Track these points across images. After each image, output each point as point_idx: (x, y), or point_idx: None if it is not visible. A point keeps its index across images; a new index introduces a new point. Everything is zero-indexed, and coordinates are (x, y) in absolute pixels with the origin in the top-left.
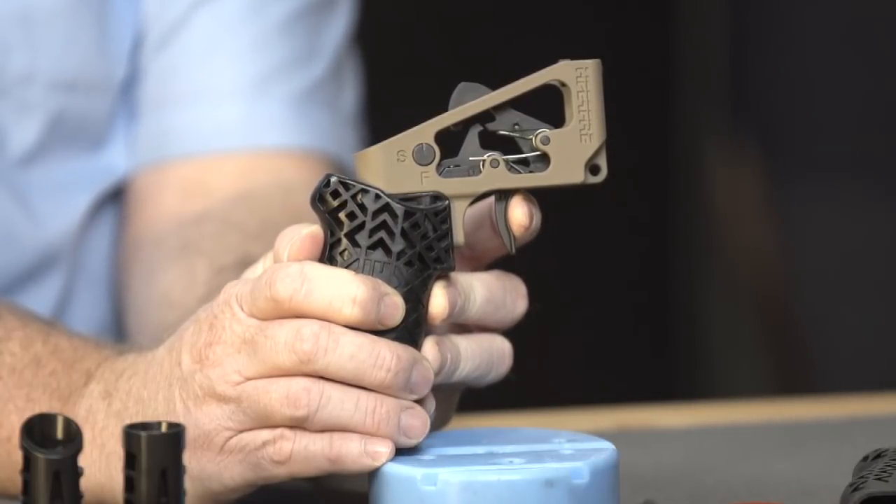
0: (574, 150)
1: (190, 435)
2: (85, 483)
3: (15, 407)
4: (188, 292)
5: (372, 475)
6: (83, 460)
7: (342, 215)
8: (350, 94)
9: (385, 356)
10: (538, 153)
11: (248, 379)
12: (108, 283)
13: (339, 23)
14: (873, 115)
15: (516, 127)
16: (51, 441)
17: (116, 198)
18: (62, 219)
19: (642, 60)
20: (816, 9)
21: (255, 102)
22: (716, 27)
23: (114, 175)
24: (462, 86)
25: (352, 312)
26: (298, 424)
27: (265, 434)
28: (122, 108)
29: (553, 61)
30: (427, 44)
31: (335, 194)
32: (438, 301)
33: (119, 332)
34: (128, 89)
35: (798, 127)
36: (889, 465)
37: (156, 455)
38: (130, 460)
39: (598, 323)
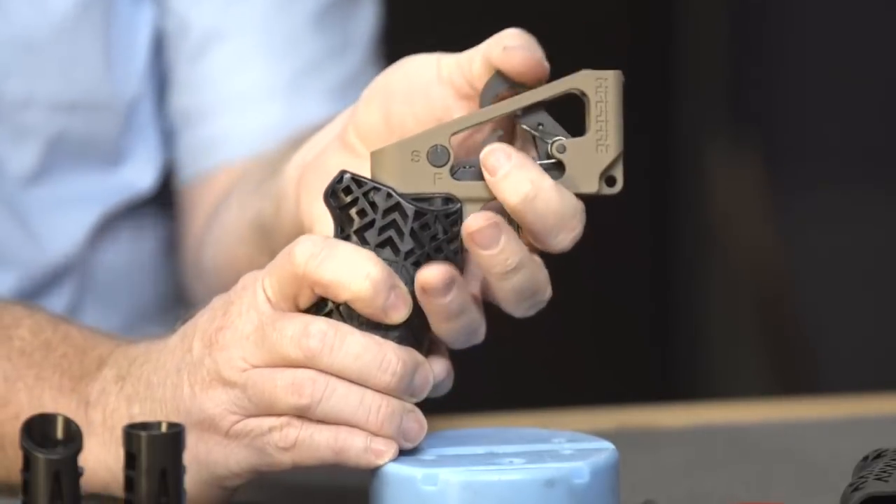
0: (589, 160)
1: (195, 418)
2: (95, 467)
3: (24, 385)
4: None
5: (373, 474)
6: (94, 440)
7: (353, 212)
8: None
9: (391, 360)
10: (553, 160)
11: (254, 367)
12: (120, 296)
13: (367, 13)
14: (873, 115)
15: (540, 127)
16: (51, 441)
17: (135, 211)
18: (65, 236)
19: (642, 61)
20: (816, 9)
21: (294, 100)
22: (716, 27)
23: (130, 190)
24: (489, 80)
25: (363, 286)
26: (302, 414)
27: (272, 420)
28: (151, 121)
29: (555, 61)
30: (430, 43)
31: (347, 191)
32: (432, 272)
33: None
34: (159, 102)
35: (798, 127)
36: (889, 465)
37: (156, 455)
38: (130, 460)
39: (599, 323)
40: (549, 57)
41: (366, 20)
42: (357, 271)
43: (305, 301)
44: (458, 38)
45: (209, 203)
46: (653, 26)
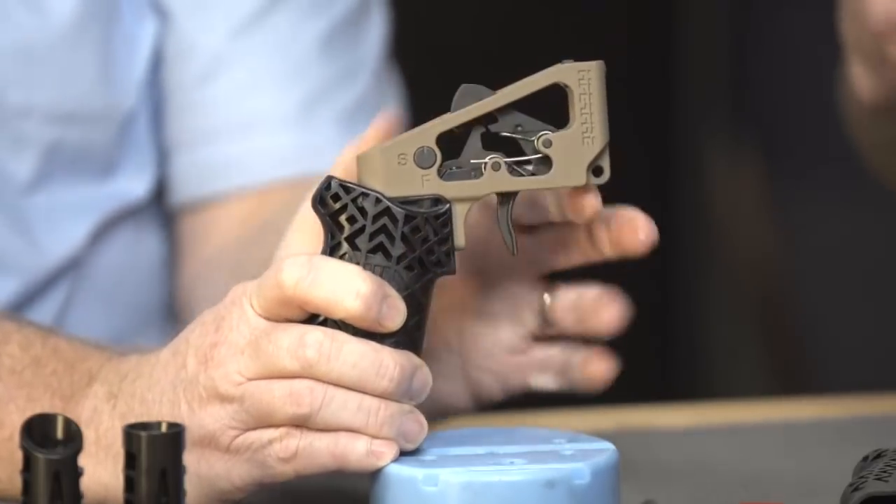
0: (576, 152)
1: (195, 435)
2: (89, 483)
3: (16, 407)
4: None
5: (373, 475)
6: (88, 460)
7: (342, 219)
8: (394, 103)
9: (388, 365)
10: (540, 155)
11: (250, 380)
12: (120, 299)
13: (375, 33)
14: None
15: (519, 129)
16: (51, 441)
17: (129, 217)
18: (64, 242)
19: (642, 61)
20: (816, 9)
21: (304, 127)
22: (716, 28)
23: (124, 199)
24: (463, 88)
25: (354, 305)
26: (301, 423)
27: (271, 432)
28: (147, 133)
29: (556, 61)
30: (430, 47)
31: (336, 197)
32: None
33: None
34: (155, 115)
35: (798, 128)
36: (889, 465)
37: (156, 455)
38: (130, 460)
39: None
40: (549, 57)
41: (374, 43)
42: (347, 290)
43: (297, 318)
44: (460, 41)
45: (217, 236)
46: (653, 26)
